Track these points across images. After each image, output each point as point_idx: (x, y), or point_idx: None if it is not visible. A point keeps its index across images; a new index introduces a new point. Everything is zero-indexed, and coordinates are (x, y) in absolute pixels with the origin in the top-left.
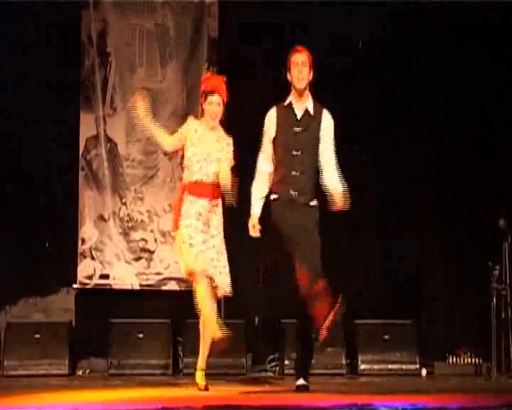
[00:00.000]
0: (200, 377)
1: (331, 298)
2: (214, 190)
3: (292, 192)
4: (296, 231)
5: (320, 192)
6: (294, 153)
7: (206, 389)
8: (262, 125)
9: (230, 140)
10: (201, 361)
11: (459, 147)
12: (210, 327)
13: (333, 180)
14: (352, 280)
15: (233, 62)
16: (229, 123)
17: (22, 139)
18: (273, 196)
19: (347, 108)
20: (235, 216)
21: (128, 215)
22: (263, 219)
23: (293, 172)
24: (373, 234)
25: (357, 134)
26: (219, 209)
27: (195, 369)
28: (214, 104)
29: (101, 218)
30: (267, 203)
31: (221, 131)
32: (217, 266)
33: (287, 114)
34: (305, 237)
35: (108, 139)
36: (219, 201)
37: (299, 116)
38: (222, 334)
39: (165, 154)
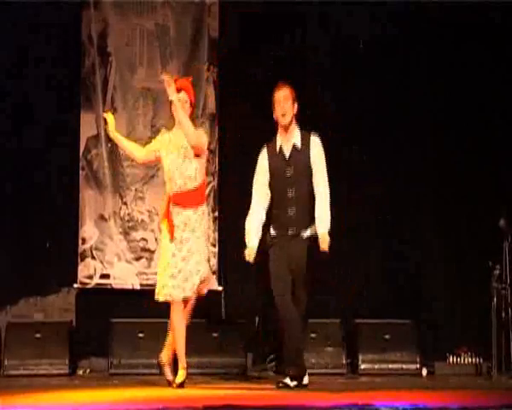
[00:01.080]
0: (167, 372)
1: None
2: (198, 197)
3: (290, 230)
4: (293, 263)
5: None
6: (289, 194)
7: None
8: (263, 124)
9: (202, 131)
10: (166, 356)
11: (459, 147)
12: (179, 354)
13: (322, 220)
14: (352, 280)
15: (233, 62)
16: (230, 123)
17: (22, 139)
18: (272, 233)
19: (347, 108)
20: (234, 220)
21: (128, 215)
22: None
23: (290, 213)
24: (373, 234)
25: (357, 134)
26: (205, 216)
27: (196, 368)
28: (181, 102)
29: (102, 217)
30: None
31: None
32: (198, 271)
33: (277, 158)
34: (301, 270)
35: (109, 139)
36: (205, 207)
37: (287, 155)
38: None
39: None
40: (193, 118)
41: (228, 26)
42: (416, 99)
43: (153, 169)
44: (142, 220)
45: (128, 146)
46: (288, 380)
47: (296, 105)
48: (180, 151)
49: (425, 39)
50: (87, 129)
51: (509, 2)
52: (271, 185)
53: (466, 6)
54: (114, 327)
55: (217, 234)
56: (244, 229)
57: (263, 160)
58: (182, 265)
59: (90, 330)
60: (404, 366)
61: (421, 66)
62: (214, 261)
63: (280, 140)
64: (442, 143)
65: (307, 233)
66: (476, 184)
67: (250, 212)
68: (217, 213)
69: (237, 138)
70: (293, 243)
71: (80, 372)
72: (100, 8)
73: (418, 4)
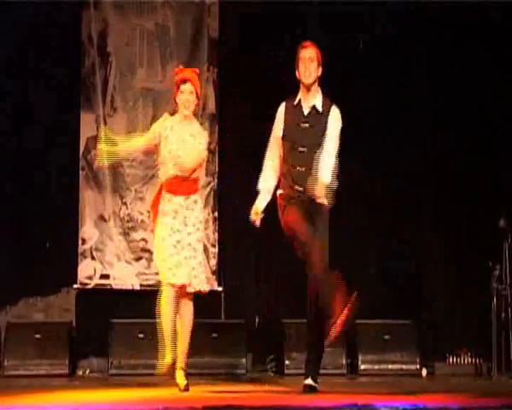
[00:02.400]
0: (180, 376)
1: (346, 291)
2: (191, 186)
3: (297, 187)
4: (305, 222)
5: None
6: (301, 149)
7: (186, 389)
8: (263, 124)
9: (205, 134)
10: (180, 361)
11: (459, 147)
12: (166, 348)
13: (322, 168)
14: (352, 280)
15: (233, 62)
16: (230, 123)
17: (22, 139)
18: (279, 192)
19: (347, 108)
20: (234, 220)
21: (128, 215)
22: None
23: (299, 168)
24: (373, 234)
25: (357, 134)
26: (197, 206)
27: (195, 369)
28: (187, 93)
29: (102, 218)
30: (273, 199)
31: (196, 125)
32: (190, 265)
33: (294, 110)
34: (316, 229)
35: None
36: (197, 197)
37: (305, 113)
38: (167, 363)
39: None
40: (197, 111)
41: (228, 26)
42: (416, 99)
43: (153, 169)
44: (142, 221)
45: (126, 147)
46: (312, 382)
47: (321, 68)
48: (180, 144)
49: (425, 39)
50: (87, 129)
51: (509, 2)
52: (284, 138)
53: (466, 6)
54: (114, 327)
55: (216, 234)
56: (244, 229)
57: (279, 113)
58: (172, 250)
59: (90, 331)
60: (404, 367)
61: (421, 66)
62: (214, 262)
63: (300, 96)
64: (442, 143)
65: (320, 199)
66: (476, 184)
67: (263, 168)
68: (216, 214)
69: (237, 138)
70: (305, 202)
71: (80, 373)
72: (100, 8)
73: (418, 4)
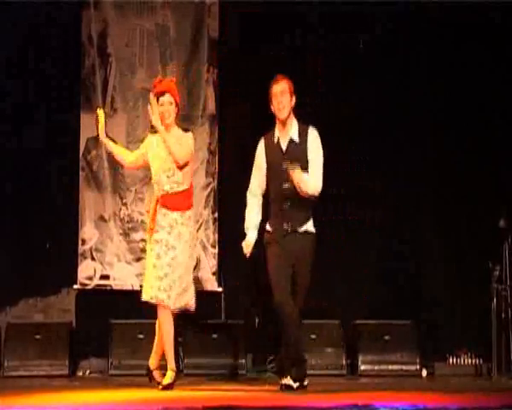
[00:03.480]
0: (159, 375)
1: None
2: (185, 200)
3: (285, 225)
4: (293, 258)
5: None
6: (285, 186)
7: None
8: (263, 124)
9: (190, 134)
10: (156, 361)
11: (459, 147)
12: (167, 356)
13: (308, 181)
14: (352, 280)
15: (233, 63)
16: (230, 123)
17: (22, 139)
18: (268, 228)
19: (347, 108)
20: (234, 221)
21: (128, 216)
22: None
23: (285, 205)
24: (373, 234)
25: (357, 134)
26: (191, 222)
27: (196, 369)
28: (166, 104)
29: (102, 218)
30: (261, 234)
31: (179, 132)
32: (181, 285)
33: (273, 148)
34: (301, 267)
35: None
36: (191, 213)
37: (284, 148)
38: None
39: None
40: (178, 119)
41: (228, 26)
42: (416, 99)
43: None
44: (142, 221)
45: (117, 150)
46: (290, 381)
47: (294, 98)
48: (168, 157)
49: (425, 39)
50: (87, 130)
51: (509, 2)
52: (268, 177)
53: (466, 6)
54: (114, 328)
55: (216, 235)
56: (244, 229)
57: (260, 150)
58: (167, 270)
59: (90, 331)
60: (404, 367)
61: (421, 66)
62: (214, 262)
63: (277, 133)
64: (442, 143)
65: (303, 228)
66: (476, 184)
67: (248, 206)
68: (216, 215)
69: (237, 139)
70: (291, 239)
71: (80, 373)
72: (100, 9)
73: (418, 4)
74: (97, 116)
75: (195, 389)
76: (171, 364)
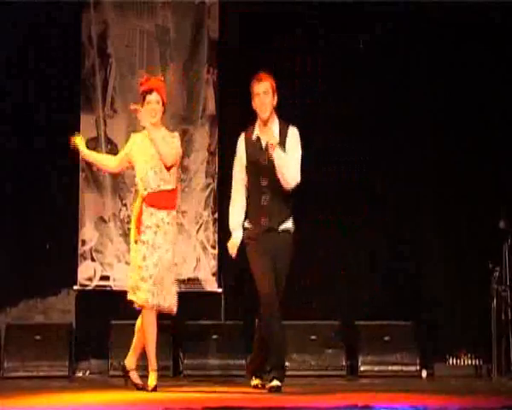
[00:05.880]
0: (135, 377)
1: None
2: (171, 200)
3: (263, 220)
4: (270, 257)
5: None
6: (263, 183)
7: (143, 388)
8: None
9: (176, 134)
10: (134, 361)
11: (459, 147)
12: (150, 357)
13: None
14: (352, 281)
15: (233, 63)
16: (230, 124)
17: (22, 139)
18: (246, 226)
19: (347, 108)
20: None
21: (128, 217)
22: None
23: (263, 202)
24: (373, 234)
25: (357, 134)
26: (175, 222)
27: (195, 370)
28: (153, 102)
29: (102, 219)
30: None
31: (166, 132)
32: (165, 286)
33: (253, 144)
34: (279, 265)
35: (109, 141)
36: (175, 214)
37: (264, 145)
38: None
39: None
40: (163, 118)
41: (228, 27)
42: (416, 99)
43: None
44: None
45: (99, 158)
46: (278, 382)
47: (276, 97)
48: (155, 154)
49: (425, 39)
50: (87, 130)
51: (509, 2)
52: (247, 173)
53: (466, 6)
54: (114, 329)
55: (216, 236)
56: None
57: (241, 145)
58: (153, 271)
59: (90, 332)
60: (404, 368)
61: (421, 66)
62: (214, 263)
63: (258, 130)
64: (442, 143)
65: (282, 227)
66: (476, 184)
67: (231, 203)
68: (216, 215)
69: (237, 139)
70: (270, 236)
71: (80, 374)
72: (100, 10)
73: (418, 4)
74: (74, 143)
75: (195, 389)
76: (154, 365)
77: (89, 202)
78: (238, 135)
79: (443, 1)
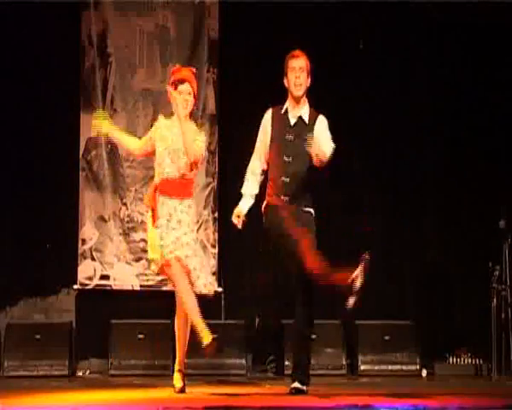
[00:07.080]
0: (176, 378)
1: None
2: (185, 188)
3: (282, 198)
4: (292, 230)
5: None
6: (286, 159)
7: (183, 390)
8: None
9: (203, 135)
10: (178, 363)
11: (459, 147)
12: (197, 328)
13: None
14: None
15: (233, 63)
16: (230, 123)
17: (22, 139)
18: (264, 203)
19: (347, 108)
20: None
21: (128, 216)
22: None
23: (284, 179)
24: (373, 234)
25: (357, 134)
26: (192, 210)
27: (195, 370)
28: (185, 93)
29: (102, 218)
30: (259, 209)
31: (193, 125)
32: (192, 264)
33: (281, 120)
34: (304, 235)
35: (109, 140)
36: (191, 202)
37: (292, 123)
38: (209, 338)
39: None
40: (194, 112)
41: (228, 27)
42: (416, 99)
43: (153, 170)
44: (142, 221)
45: (122, 138)
46: (299, 384)
47: (310, 79)
48: (178, 140)
49: (425, 39)
50: (87, 130)
51: (509, 3)
52: (270, 147)
53: (466, 6)
54: (114, 328)
55: (217, 235)
56: (244, 229)
57: (267, 120)
58: (172, 247)
59: (90, 331)
60: (404, 367)
61: (421, 66)
62: (214, 262)
63: (288, 106)
64: (442, 144)
65: (301, 207)
66: (476, 184)
67: (247, 173)
68: (216, 215)
69: (237, 139)
70: (291, 212)
71: (80, 373)
72: (100, 9)
73: (418, 4)
74: (95, 117)
75: (196, 389)
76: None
77: (89, 201)
78: (238, 134)
79: (443, 1)
